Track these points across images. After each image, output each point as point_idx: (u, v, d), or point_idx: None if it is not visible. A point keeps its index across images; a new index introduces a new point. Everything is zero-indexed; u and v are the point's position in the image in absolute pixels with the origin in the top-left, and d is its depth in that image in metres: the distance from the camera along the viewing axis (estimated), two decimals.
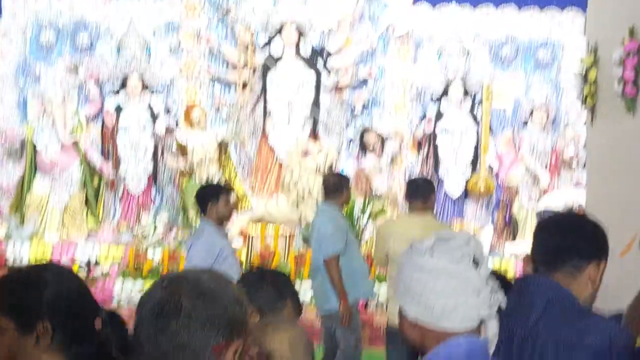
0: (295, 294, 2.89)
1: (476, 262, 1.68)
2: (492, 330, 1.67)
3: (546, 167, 9.93)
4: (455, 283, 1.64)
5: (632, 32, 5.12)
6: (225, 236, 5.40)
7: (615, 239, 5.61)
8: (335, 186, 5.66)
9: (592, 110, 6.16)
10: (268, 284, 2.67)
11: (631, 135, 5.27)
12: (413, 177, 6.00)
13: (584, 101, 6.19)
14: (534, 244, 2.22)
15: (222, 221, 5.26)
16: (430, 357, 1.64)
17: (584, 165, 10.00)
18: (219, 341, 1.46)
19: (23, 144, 9.54)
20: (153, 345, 1.45)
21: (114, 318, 1.80)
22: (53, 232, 9.24)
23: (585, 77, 6.11)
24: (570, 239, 2.13)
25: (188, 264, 5.24)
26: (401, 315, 1.71)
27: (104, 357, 1.70)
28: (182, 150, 9.46)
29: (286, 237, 8.59)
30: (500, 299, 1.69)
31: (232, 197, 5.44)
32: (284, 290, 2.81)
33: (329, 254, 5.41)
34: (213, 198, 5.18)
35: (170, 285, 1.49)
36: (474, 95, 10.01)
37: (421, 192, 5.36)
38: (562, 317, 2.01)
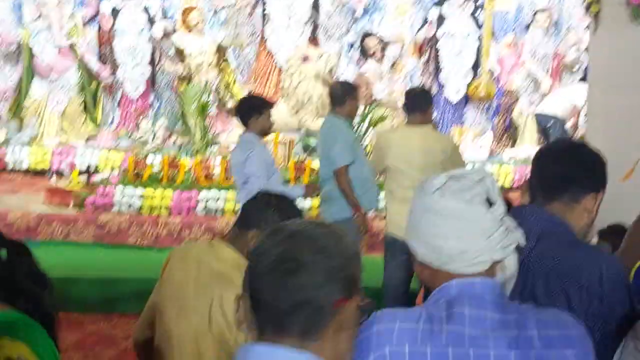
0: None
1: (490, 202, 1.62)
2: (509, 269, 1.62)
3: (547, 71, 9.84)
4: (464, 225, 1.59)
5: None
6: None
7: (615, 149, 5.62)
8: (341, 96, 5.57)
9: (596, 18, 6.07)
10: (273, 209, 2.67)
11: (635, 44, 5.20)
12: (410, 87, 5.91)
13: (588, 8, 6.09)
14: (532, 171, 2.19)
15: (263, 134, 5.39)
16: (437, 292, 1.62)
17: (585, 70, 9.94)
18: (340, 296, 1.45)
19: (19, 48, 9.42)
20: (274, 301, 1.44)
21: (20, 248, 1.77)
22: (52, 137, 9.22)
23: None
24: (569, 169, 2.10)
25: (243, 176, 5.28)
26: (410, 253, 1.70)
27: (10, 287, 1.69)
28: (180, 54, 9.35)
29: (286, 143, 8.58)
30: (518, 237, 1.63)
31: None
32: (290, 216, 2.80)
33: (338, 165, 5.40)
34: (256, 112, 5.28)
35: (287, 240, 1.47)
36: None
37: (419, 103, 5.34)
38: (554, 249, 1.98)
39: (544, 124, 9.15)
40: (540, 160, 2.16)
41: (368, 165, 5.58)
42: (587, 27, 9.75)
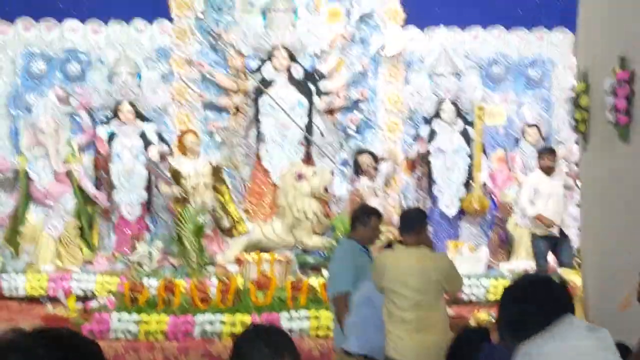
0: (293, 351, 2.85)
1: None
2: None
3: None
4: None
5: (622, 62, 5.16)
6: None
7: (611, 264, 5.62)
8: (355, 219, 5.61)
9: (584, 137, 6.21)
10: (263, 342, 2.64)
11: (625, 162, 5.30)
12: (405, 209, 5.97)
13: (577, 127, 6.24)
14: (497, 310, 2.19)
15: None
16: None
17: (575, 182, 10.06)
18: None
19: (16, 174, 9.52)
20: None
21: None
22: (48, 263, 9.22)
23: (576, 104, 6.16)
24: (534, 305, 2.09)
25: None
26: None
27: None
28: (176, 176, 9.46)
29: (282, 262, 8.58)
30: None
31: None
32: (280, 348, 2.77)
33: (334, 292, 5.41)
34: (364, 219, 5.46)
35: None
36: (466, 115, 10.05)
37: (414, 224, 5.37)
38: None
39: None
40: (502, 299, 2.15)
41: (379, 303, 5.41)
42: (576, 141, 9.99)
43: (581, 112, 6.07)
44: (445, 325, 5.41)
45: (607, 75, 5.27)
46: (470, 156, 9.92)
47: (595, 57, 5.79)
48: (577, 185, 10.03)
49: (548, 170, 8.58)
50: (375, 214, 5.71)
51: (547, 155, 8.61)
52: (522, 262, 9.57)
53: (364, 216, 5.63)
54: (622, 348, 4.69)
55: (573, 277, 8.11)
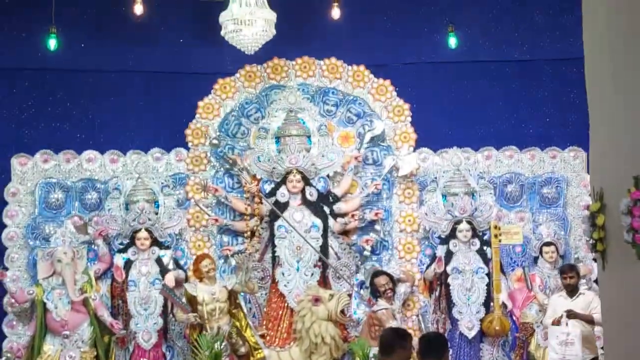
0: None
1: None
2: None
3: None
4: None
5: (637, 182, 5.17)
6: None
7: None
8: (386, 344, 5.42)
9: (603, 256, 6.15)
10: None
11: None
12: (424, 333, 5.90)
13: (594, 247, 6.18)
14: None
15: None
16: None
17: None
18: None
19: (33, 305, 9.49)
20: None
21: None
22: None
23: (593, 223, 6.13)
24: None
25: None
26: None
27: None
28: (192, 302, 9.41)
29: None
30: None
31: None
32: None
33: None
34: (402, 341, 5.32)
35: None
36: (483, 234, 10.04)
37: (434, 349, 5.29)
38: None
39: None
40: None
41: None
42: (594, 259, 9.91)
43: (598, 231, 6.03)
44: None
45: (622, 195, 5.26)
46: (489, 276, 9.85)
47: (609, 176, 5.80)
48: None
49: (570, 288, 8.91)
50: (405, 338, 5.48)
51: (568, 272, 8.94)
52: None
53: (403, 339, 5.44)
54: None
55: None
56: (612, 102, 5.82)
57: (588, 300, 8.89)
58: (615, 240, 5.78)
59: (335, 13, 10.16)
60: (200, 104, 10.37)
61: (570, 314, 8.67)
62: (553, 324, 8.80)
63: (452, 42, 10.44)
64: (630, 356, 5.53)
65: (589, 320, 8.69)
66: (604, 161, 6.06)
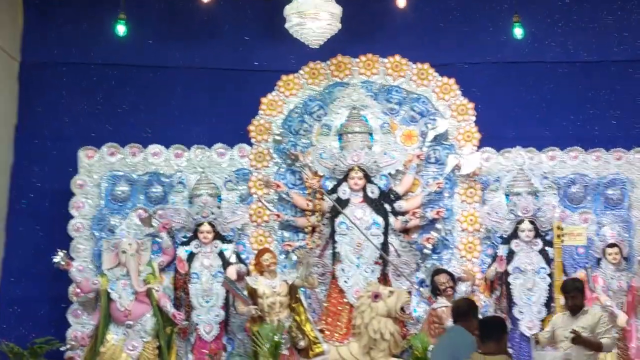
0: None
1: None
2: None
3: (622, 306, 9.69)
4: None
5: None
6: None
7: None
8: (464, 311, 6.20)
9: None
10: None
11: None
12: (485, 316, 6.01)
13: None
14: None
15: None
16: None
17: None
18: None
19: (97, 295, 9.68)
20: None
21: None
22: None
23: None
24: None
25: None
26: None
27: None
28: (253, 295, 9.50)
29: None
30: None
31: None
32: None
33: None
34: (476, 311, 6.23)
35: None
36: (545, 235, 9.94)
37: (493, 332, 5.32)
38: None
39: None
40: None
41: None
42: None
43: None
44: None
45: None
46: (551, 276, 9.75)
47: None
48: None
49: (575, 309, 7.63)
50: (476, 308, 6.41)
51: (571, 291, 7.70)
52: None
53: (474, 309, 6.24)
54: None
55: None
56: None
57: (594, 320, 7.53)
58: None
59: (401, 2, 9.89)
60: (264, 100, 10.49)
61: (576, 339, 7.17)
62: (537, 343, 7.71)
63: (518, 32, 10.15)
64: None
65: (597, 347, 7.32)
66: None
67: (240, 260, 10.11)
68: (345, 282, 9.96)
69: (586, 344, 7.10)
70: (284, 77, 10.54)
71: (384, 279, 9.98)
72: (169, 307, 9.64)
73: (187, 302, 9.85)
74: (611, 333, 7.21)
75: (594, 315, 7.54)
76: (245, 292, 9.56)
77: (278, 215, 10.23)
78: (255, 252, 10.00)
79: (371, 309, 9.39)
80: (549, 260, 9.84)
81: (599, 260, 9.95)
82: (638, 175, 10.27)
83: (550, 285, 9.76)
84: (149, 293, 9.60)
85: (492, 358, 5.19)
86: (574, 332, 7.06)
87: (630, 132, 10.39)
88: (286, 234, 10.34)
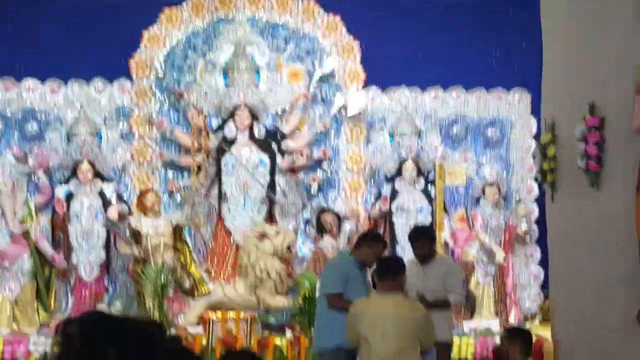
0: None
1: None
2: None
3: (500, 243, 10.01)
4: None
5: (592, 109, 5.26)
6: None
7: (581, 314, 5.60)
8: (364, 239, 6.47)
9: (552, 187, 6.26)
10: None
11: (596, 208, 5.35)
12: (383, 257, 5.97)
13: (544, 178, 6.29)
14: None
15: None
16: None
17: (537, 241, 10.16)
18: None
19: None
20: None
21: None
22: (3, 326, 8.92)
23: (544, 154, 6.23)
24: None
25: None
26: None
27: None
28: (136, 236, 9.30)
29: (247, 321, 8.43)
30: None
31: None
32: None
33: (325, 294, 6.00)
34: (373, 242, 6.24)
35: None
36: (427, 174, 10.11)
37: (391, 271, 5.37)
38: None
39: None
40: None
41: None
42: (536, 200, 10.11)
43: (549, 162, 6.13)
44: None
45: (577, 124, 5.35)
46: (432, 215, 9.95)
47: (562, 107, 5.89)
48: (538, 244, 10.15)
49: (422, 258, 6.71)
50: (383, 242, 6.50)
51: (414, 241, 6.83)
52: (485, 321, 9.56)
53: (375, 240, 6.33)
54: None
55: (543, 332, 8.11)
56: (566, 32, 5.88)
57: (443, 270, 6.69)
58: (566, 170, 5.89)
59: None
60: (145, 34, 10.13)
61: (422, 302, 6.08)
62: None
63: None
64: (577, 280, 5.66)
65: (444, 306, 6.51)
66: (556, 92, 6.15)
67: (121, 200, 9.86)
68: (231, 222, 9.87)
69: (431, 307, 6.07)
70: (166, 10, 10.18)
71: (270, 219, 9.94)
72: (47, 249, 9.34)
73: (66, 243, 9.55)
74: (460, 287, 6.74)
75: (444, 265, 6.83)
76: (128, 233, 9.34)
77: (161, 154, 9.99)
78: (138, 192, 9.76)
79: (257, 249, 9.37)
80: (430, 199, 10.03)
81: (478, 199, 10.21)
82: (517, 116, 10.51)
83: (432, 224, 9.95)
84: (25, 234, 9.24)
85: (388, 296, 5.25)
86: (419, 296, 6.26)
87: (510, 73, 10.59)
88: (170, 173, 10.12)
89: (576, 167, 5.44)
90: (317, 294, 6.88)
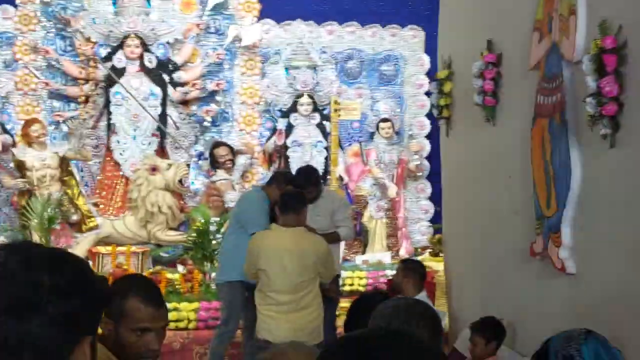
0: None
1: None
2: None
3: (393, 178, 10.13)
4: None
5: (489, 45, 5.29)
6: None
7: (474, 249, 5.73)
8: (270, 179, 6.73)
9: (448, 122, 6.34)
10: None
11: (490, 144, 5.44)
12: (285, 191, 5.85)
13: (440, 113, 6.36)
14: None
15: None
16: None
17: (427, 176, 10.34)
18: None
19: None
20: None
21: None
22: None
23: (440, 90, 6.28)
24: None
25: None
26: None
27: None
28: (21, 168, 8.95)
29: (139, 255, 8.28)
30: None
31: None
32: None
33: (253, 231, 5.84)
34: (273, 181, 6.45)
35: None
36: (323, 109, 10.09)
37: (293, 204, 5.34)
38: None
39: None
40: None
41: None
42: (427, 135, 10.26)
43: (445, 98, 6.18)
44: (319, 305, 5.39)
45: (475, 60, 5.39)
46: (327, 149, 9.96)
47: (459, 43, 5.92)
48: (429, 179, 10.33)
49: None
50: (284, 180, 6.44)
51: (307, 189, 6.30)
52: (377, 254, 9.71)
53: (279, 179, 6.44)
54: (491, 322, 4.81)
55: (433, 264, 8.30)
56: None
57: (332, 207, 6.65)
58: (462, 105, 5.96)
59: None
60: None
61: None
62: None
63: None
64: (470, 214, 5.77)
65: (334, 239, 6.45)
66: (453, 28, 6.18)
67: (5, 130, 9.44)
68: (120, 154, 9.61)
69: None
70: None
71: (161, 152, 9.73)
72: None
73: None
74: (349, 221, 6.86)
75: (331, 201, 6.74)
76: (12, 164, 8.98)
77: (47, 84, 9.58)
78: (22, 122, 9.35)
79: (148, 182, 9.17)
80: (325, 134, 10.03)
81: (372, 134, 10.28)
82: (411, 52, 10.56)
83: (327, 159, 9.98)
84: None
85: (290, 230, 5.22)
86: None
87: (405, 9, 10.60)
88: (56, 104, 9.73)
89: (472, 103, 5.50)
90: (228, 227, 6.89)
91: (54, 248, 1.50)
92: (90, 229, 9.21)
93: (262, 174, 10.05)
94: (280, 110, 10.12)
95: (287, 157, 10.01)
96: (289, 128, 10.03)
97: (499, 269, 5.37)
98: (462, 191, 6.04)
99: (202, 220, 8.44)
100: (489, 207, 5.52)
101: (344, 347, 1.41)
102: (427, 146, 10.31)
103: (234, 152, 9.74)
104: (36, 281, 1.37)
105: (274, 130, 10.11)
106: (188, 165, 9.61)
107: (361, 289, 9.02)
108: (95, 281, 1.47)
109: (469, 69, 5.48)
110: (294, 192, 5.66)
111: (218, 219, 8.77)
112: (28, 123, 9.15)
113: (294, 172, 7.35)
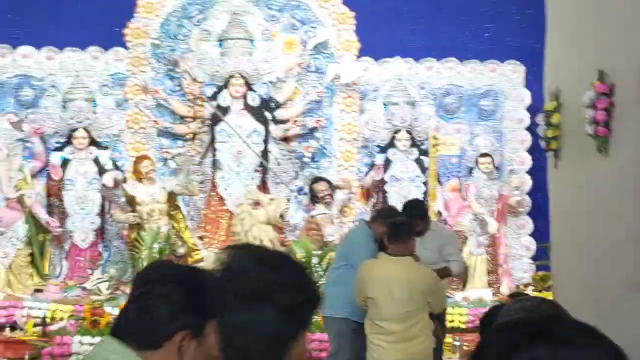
0: None
1: None
2: None
3: (493, 213, 10.11)
4: None
5: (601, 76, 5.33)
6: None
7: (586, 281, 5.68)
8: (379, 215, 6.54)
9: (556, 154, 6.35)
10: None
11: (603, 175, 5.43)
12: (394, 219, 5.90)
13: (548, 146, 6.38)
14: None
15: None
16: None
17: (529, 212, 10.26)
18: None
19: None
20: None
21: None
22: None
23: (548, 122, 6.31)
24: None
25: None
26: None
27: None
28: (131, 202, 9.31)
29: None
30: None
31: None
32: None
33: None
34: (377, 216, 6.47)
35: None
36: (420, 144, 10.18)
37: (401, 234, 5.42)
38: None
39: None
40: None
41: None
42: (529, 171, 10.22)
43: (553, 130, 6.21)
44: (428, 336, 5.44)
45: (585, 91, 5.42)
46: (425, 185, 10.02)
47: (568, 74, 5.95)
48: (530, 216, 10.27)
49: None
50: (387, 217, 6.22)
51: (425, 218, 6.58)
52: (478, 291, 9.67)
53: (382, 217, 6.28)
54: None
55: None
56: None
57: (441, 241, 6.52)
58: (571, 137, 5.98)
59: None
60: (140, 2, 10.07)
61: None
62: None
63: None
64: (582, 245, 5.75)
65: (445, 274, 6.39)
66: (561, 60, 6.22)
67: (116, 167, 9.85)
68: (225, 189, 9.90)
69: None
70: None
71: (263, 187, 9.98)
72: (42, 214, 9.33)
73: (61, 209, 9.54)
74: (459, 255, 6.79)
75: (439, 235, 6.60)
76: (123, 199, 9.34)
77: (156, 122, 9.97)
78: (132, 158, 9.74)
79: (251, 216, 9.41)
80: (423, 169, 10.10)
81: (471, 169, 10.30)
82: (510, 87, 10.58)
83: (425, 193, 10.04)
84: (20, 199, 9.22)
85: (398, 259, 5.31)
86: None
87: (504, 44, 10.64)
88: (164, 141, 10.10)
89: (582, 134, 5.52)
90: (334, 262, 6.90)
91: (279, 251, 1.68)
92: (196, 261, 9.45)
93: (360, 208, 10.18)
94: (378, 146, 10.26)
95: (384, 192, 10.12)
96: (387, 163, 10.15)
97: (612, 302, 5.33)
98: (574, 223, 6.02)
99: (303, 253, 8.60)
100: (601, 240, 5.50)
101: (514, 328, 1.26)
102: (528, 181, 10.26)
103: (332, 187, 9.90)
104: (267, 276, 1.53)
105: (371, 166, 10.24)
106: (288, 200, 9.82)
107: (462, 326, 9.00)
108: (313, 282, 1.62)
109: (579, 100, 5.52)
110: (402, 221, 5.76)
111: (319, 252, 8.93)
112: (138, 160, 9.53)
113: (390, 205, 7.52)
